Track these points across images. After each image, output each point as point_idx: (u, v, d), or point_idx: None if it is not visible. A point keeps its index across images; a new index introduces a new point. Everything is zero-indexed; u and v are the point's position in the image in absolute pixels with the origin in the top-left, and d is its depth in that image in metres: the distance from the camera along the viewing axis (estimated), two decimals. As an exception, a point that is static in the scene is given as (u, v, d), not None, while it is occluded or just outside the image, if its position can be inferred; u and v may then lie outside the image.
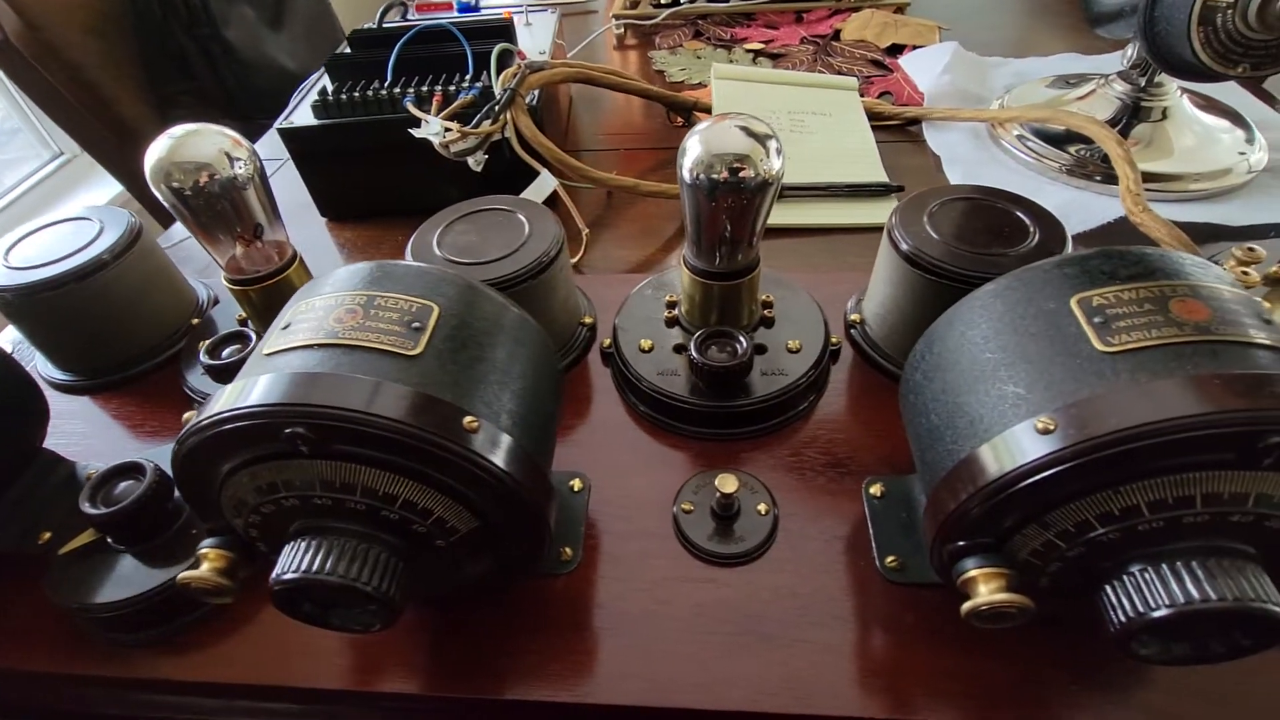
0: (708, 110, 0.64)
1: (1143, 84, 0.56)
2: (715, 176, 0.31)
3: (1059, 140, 0.57)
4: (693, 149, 0.31)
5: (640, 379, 0.37)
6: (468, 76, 0.54)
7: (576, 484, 0.34)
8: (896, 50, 0.77)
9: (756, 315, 0.39)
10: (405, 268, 0.26)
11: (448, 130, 0.49)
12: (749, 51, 0.79)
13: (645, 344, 0.38)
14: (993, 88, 0.68)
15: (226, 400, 0.21)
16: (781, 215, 0.55)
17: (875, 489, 0.33)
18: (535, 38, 0.66)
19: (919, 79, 0.70)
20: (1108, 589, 0.21)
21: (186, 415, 0.22)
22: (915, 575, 0.30)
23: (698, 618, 0.29)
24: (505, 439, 0.23)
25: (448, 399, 0.22)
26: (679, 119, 0.65)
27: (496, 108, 0.50)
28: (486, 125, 0.49)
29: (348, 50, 0.60)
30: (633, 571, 0.31)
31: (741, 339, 0.34)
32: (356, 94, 0.53)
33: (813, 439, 0.36)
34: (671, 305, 0.40)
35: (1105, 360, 0.20)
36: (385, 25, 0.64)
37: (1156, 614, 0.20)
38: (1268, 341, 0.20)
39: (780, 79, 0.68)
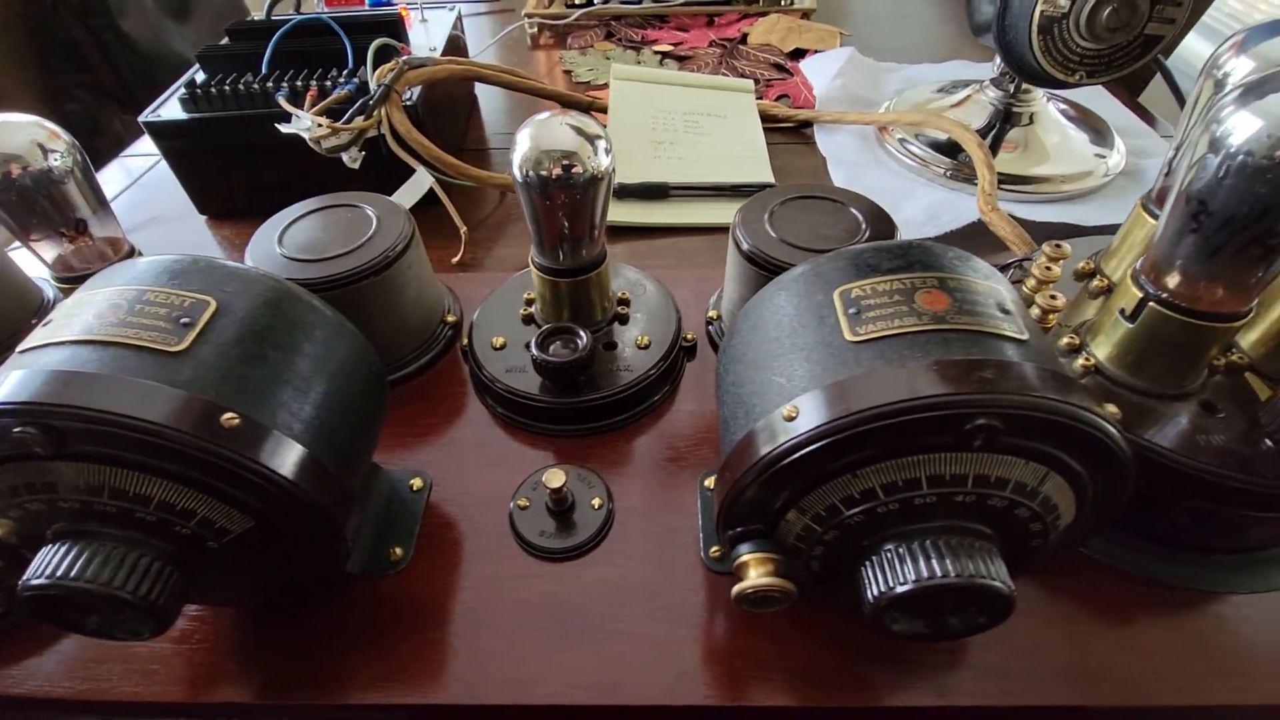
0: (604, 110, 0.64)
1: (1012, 90, 0.58)
2: (543, 173, 0.31)
3: (945, 145, 0.59)
4: (521, 146, 0.32)
5: (491, 377, 0.37)
6: (346, 72, 0.53)
7: (417, 483, 0.34)
8: (800, 55, 0.79)
9: (610, 311, 0.39)
10: (194, 262, 0.25)
11: (319, 125, 0.48)
12: (657, 53, 0.80)
13: (498, 341, 0.38)
14: (884, 92, 0.70)
15: (-39, 400, 0.20)
16: (666, 214, 0.55)
17: (709, 481, 0.33)
18: (430, 34, 0.65)
19: (816, 82, 0.72)
20: (863, 569, 0.22)
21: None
22: (737, 565, 0.30)
23: (520, 613, 0.29)
24: (280, 439, 0.22)
25: (207, 396, 0.21)
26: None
27: (370, 103, 0.49)
28: (359, 121, 0.49)
29: (226, 42, 0.59)
30: (463, 569, 0.31)
31: (582, 335, 0.35)
32: (227, 87, 0.51)
33: (660, 434, 0.37)
34: (530, 303, 0.40)
35: (850, 349, 0.21)
36: (274, 17, 0.62)
37: (900, 590, 0.20)
38: (1000, 330, 0.21)
39: (678, 80, 0.69)
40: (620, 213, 0.55)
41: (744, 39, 0.82)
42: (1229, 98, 0.23)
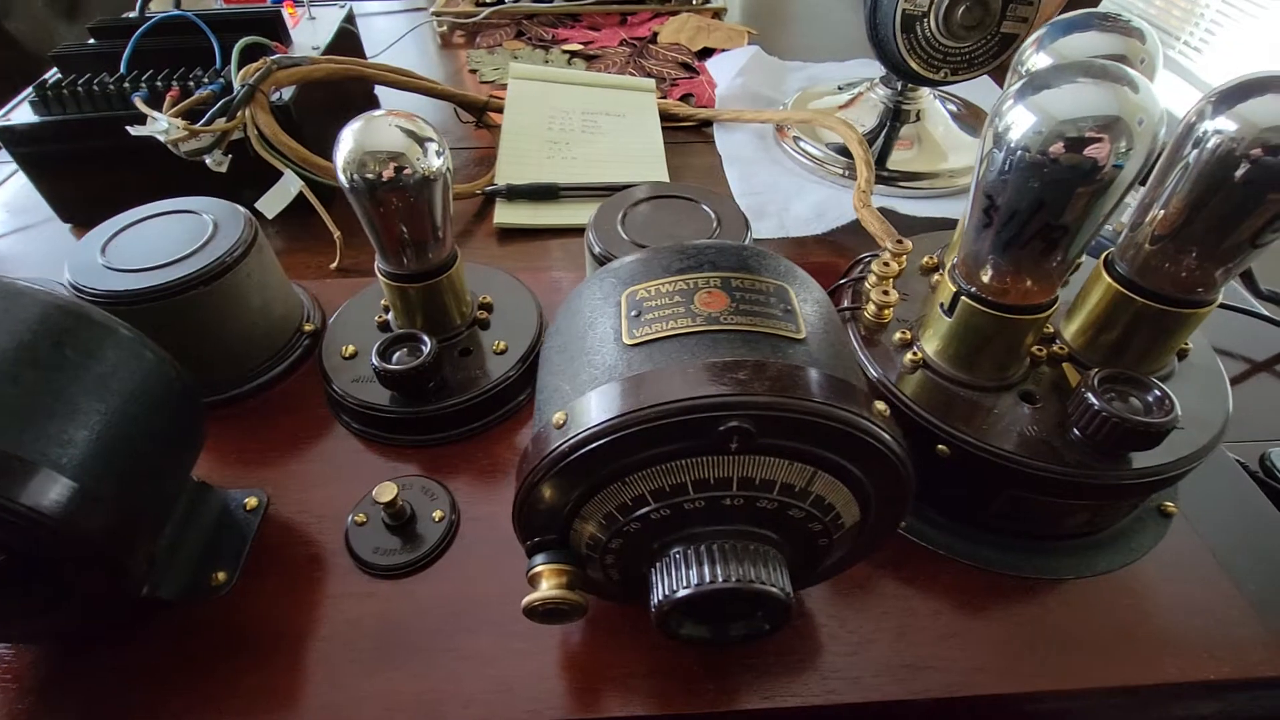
0: (499, 110, 0.63)
1: (899, 88, 0.59)
2: (369, 176, 0.30)
3: (842, 145, 0.59)
4: (343, 147, 0.30)
5: (338, 388, 0.35)
6: (212, 71, 0.51)
7: (251, 502, 0.32)
8: (708, 54, 0.79)
9: (469, 316, 0.38)
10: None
11: (177, 128, 0.46)
12: (566, 52, 0.79)
13: (348, 350, 0.37)
14: (786, 90, 0.71)
15: None
16: (556, 215, 0.54)
17: (558, 488, 0.32)
18: (319, 32, 0.63)
19: (720, 81, 0.72)
20: (650, 575, 0.21)
21: None
22: (576, 573, 0.30)
23: (348, 634, 0.28)
24: (30, 466, 0.21)
25: (-70, 422, 0.20)
26: (471, 118, 0.64)
27: (233, 104, 0.47)
28: (221, 123, 0.46)
29: (92, 41, 0.56)
30: (293, 591, 0.30)
31: (427, 342, 0.34)
32: (80, 88, 0.48)
33: (516, 441, 0.36)
34: (388, 309, 0.38)
35: (624, 352, 0.21)
36: (149, 14, 0.60)
37: (678, 595, 0.20)
38: (774, 329, 0.21)
39: (578, 80, 0.68)
40: (509, 214, 0.54)
41: (654, 38, 0.82)
42: (1009, 93, 0.23)
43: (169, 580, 0.28)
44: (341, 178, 0.31)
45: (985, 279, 0.26)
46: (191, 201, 0.37)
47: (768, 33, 0.86)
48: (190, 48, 0.53)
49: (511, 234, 0.55)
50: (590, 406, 0.19)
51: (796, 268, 0.25)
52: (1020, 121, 0.22)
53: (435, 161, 0.31)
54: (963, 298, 0.27)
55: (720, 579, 0.19)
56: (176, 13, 0.54)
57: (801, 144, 0.60)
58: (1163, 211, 0.26)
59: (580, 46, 0.80)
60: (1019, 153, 0.22)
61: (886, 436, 0.19)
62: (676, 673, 0.27)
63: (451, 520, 0.32)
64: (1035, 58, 0.28)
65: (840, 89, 0.67)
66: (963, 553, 0.30)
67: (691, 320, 0.21)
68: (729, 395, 0.18)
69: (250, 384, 0.37)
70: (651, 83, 0.68)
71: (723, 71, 0.72)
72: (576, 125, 0.63)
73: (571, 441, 0.19)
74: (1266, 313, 0.46)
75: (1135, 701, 0.27)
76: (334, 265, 0.50)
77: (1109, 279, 0.28)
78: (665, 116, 0.66)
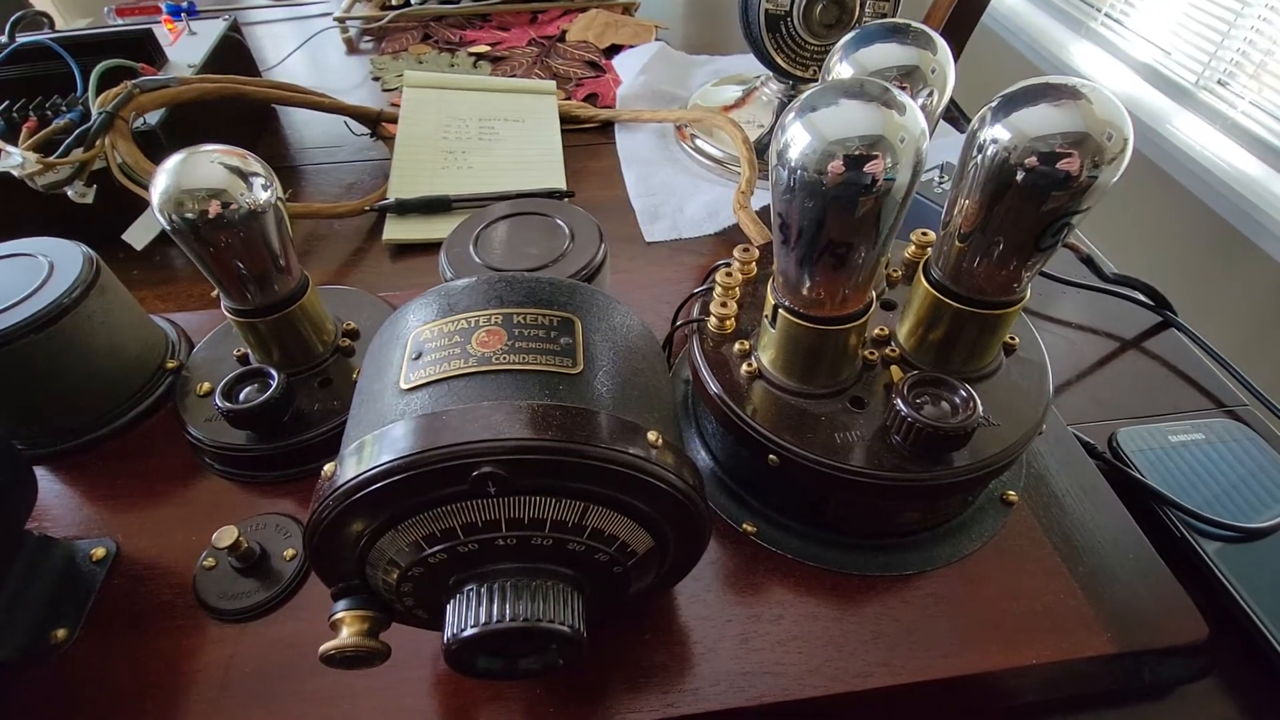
0: (393, 120, 0.62)
1: (790, 83, 0.59)
2: (189, 215, 0.29)
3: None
4: (159, 185, 0.29)
5: (191, 430, 0.35)
6: (72, 98, 0.49)
7: (99, 553, 0.32)
8: (617, 51, 0.78)
9: (331, 344, 0.37)
10: None
11: (30, 161, 0.44)
12: (472, 55, 0.78)
13: (203, 388, 0.36)
14: (692, 86, 0.71)
15: None
16: (448, 228, 0.53)
17: (415, 517, 0.32)
18: (199, 48, 0.61)
19: (625, 79, 0.71)
20: (445, 612, 0.21)
21: None
22: (427, 603, 0.30)
23: (189, 684, 0.28)
24: None
25: None
26: (365, 130, 0.63)
27: (91, 132, 0.45)
28: (78, 154, 0.45)
29: (-51, 71, 0.53)
30: (136, 643, 0.29)
31: (274, 376, 0.33)
32: (-73, 124, 0.46)
33: (382, 469, 0.35)
34: (249, 342, 0.38)
35: (399, 399, 0.20)
36: (20, 39, 0.57)
37: (465, 634, 0.20)
38: (547, 366, 0.21)
39: (476, 85, 0.67)
40: (399, 230, 0.54)
41: (563, 36, 0.81)
42: (788, 112, 0.23)
43: (5, 642, 0.28)
44: (159, 218, 0.30)
45: (798, 292, 0.27)
46: (27, 243, 0.36)
47: (684, 25, 0.86)
48: (55, 74, 0.51)
49: (405, 250, 0.54)
50: (357, 457, 0.19)
51: (599, 294, 0.25)
52: (795, 141, 0.22)
53: (262, 195, 0.30)
54: (780, 310, 0.27)
55: (503, 618, 0.19)
56: (33, 38, 0.52)
57: (699, 143, 0.60)
58: (961, 216, 0.26)
59: (488, 48, 0.79)
60: (798, 172, 0.23)
61: (653, 468, 0.20)
62: (519, 698, 0.27)
63: (305, 557, 0.31)
64: (839, 67, 0.28)
65: (744, 84, 0.67)
66: (809, 555, 0.31)
67: (465, 362, 0.21)
68: (476, 442, 0.18)
69: (105, 428, 0.36)
70: (552, 85, 0.68)
71: (628, 69, 0.72)
72: (474, 133, 0.62)
73: (335, 494, 0.19)
74: (1141, 295, 0.48)
75: (962, 692, 0.28)
76: (215, 293, 0.49)
77: (925, 284, 0.28)
78: (566, 119, 0.65)
